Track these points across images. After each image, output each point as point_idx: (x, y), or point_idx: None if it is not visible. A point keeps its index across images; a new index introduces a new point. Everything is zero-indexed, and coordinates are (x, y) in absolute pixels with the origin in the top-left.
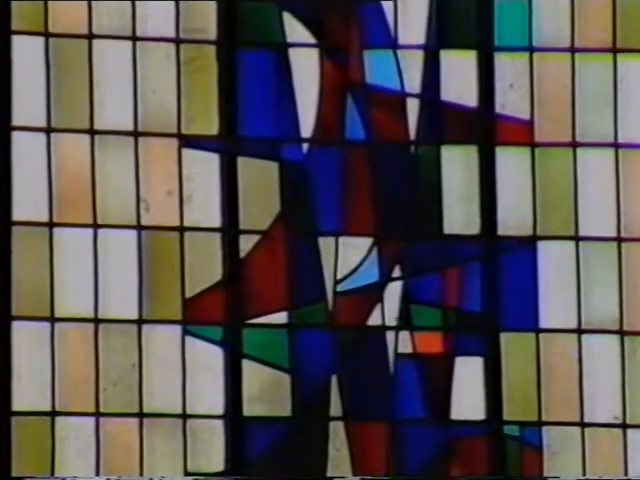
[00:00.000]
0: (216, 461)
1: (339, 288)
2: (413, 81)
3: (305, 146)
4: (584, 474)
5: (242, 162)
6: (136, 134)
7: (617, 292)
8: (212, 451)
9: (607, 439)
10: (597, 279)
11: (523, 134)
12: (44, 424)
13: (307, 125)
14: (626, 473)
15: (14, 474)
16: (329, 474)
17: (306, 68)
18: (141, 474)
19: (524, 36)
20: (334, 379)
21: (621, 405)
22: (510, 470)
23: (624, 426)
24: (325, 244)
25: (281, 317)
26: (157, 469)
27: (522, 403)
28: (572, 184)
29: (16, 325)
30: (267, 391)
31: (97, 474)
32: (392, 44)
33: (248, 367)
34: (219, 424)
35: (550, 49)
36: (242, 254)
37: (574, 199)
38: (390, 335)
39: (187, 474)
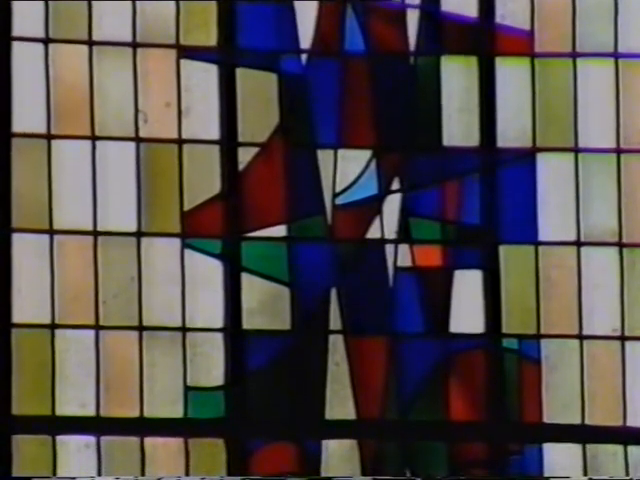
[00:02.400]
0: (215, 374)
1: (338, 201)
2: None
3: (304, 58)
4: (582, 387)
5: (241, 73)
6: (134, 45)
7: (616, 204)
8: (211, 364)
9: (605, 351)
10: (596, 191)
11: (523, 45)
12: (44, 337)
13: (306, 36)
14: (624, 385)
15: (14, 387)
16: (328, 388)
17: None
18: (141, 387)
19: None
20: (333, 292)
21: (620, 317)
22: (509, 383)
23: (622, 338)
24: (324, 157)
25: (280, 230)
26: (156, 382)
27: (521, 316)
28: (572, 95)
29: (16, 237)
30: (266, 304)
31: (97, 386)
32: None
33: (247, 280)
34: (218, 337)
35: None
36: (241, 167)
37: (574, 110)
38: (389, 248)
39: (187, 388)
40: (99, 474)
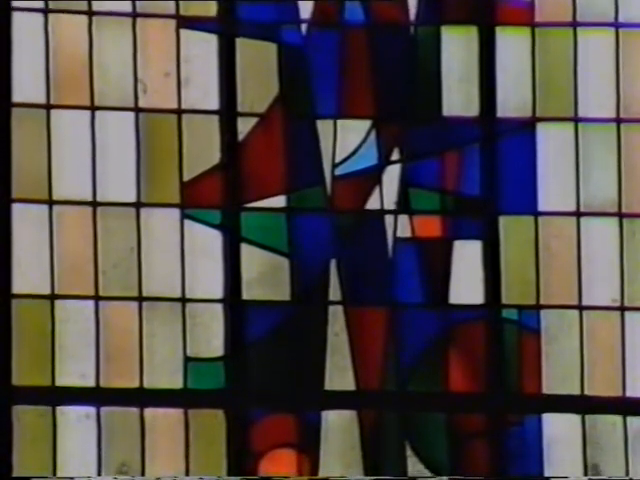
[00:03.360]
0: (215, 345)
1: (337, 171)
2: None
3: (304, 28)
4: (581, 357)
5: (240, 44)
6: (134, 15)
7: (616, 174)
8: (211, 335)
9: (605, 322)
10: (596, 161)
11: (523, 14)
12: (44, 307)
13: (306, 7)
14: (623, 356)
15: (14, 358)
16: (328, 359)
17: None
18: (140, 358)
19: None
20: (333, 263)
21: (619, 288)
22: (508, 354)
23: (622, 309)
24: (323, 127)
25: (279, 201)
26: (156, 353)
27: (520, 287)
28: (572, 65)
29: (16, 208)
30: (266, 275)
31: (97, 357)
32: None
33: (247, 251)
34: (218, 308)
35: None
36: (240, 137)
37: (574, 80)
38: (389, 219)
39: (186, 358)
40: (99, 445)
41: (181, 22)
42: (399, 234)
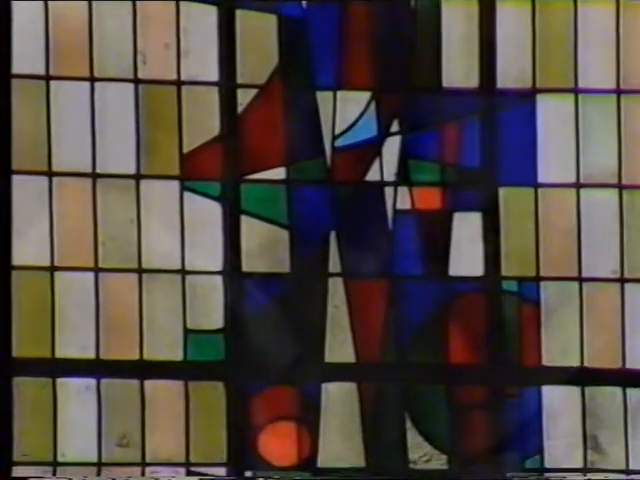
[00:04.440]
0: (215, 317)
1: (337, 143)
2: None
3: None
4: (581, 329)
5: (240, 15)
6: None
7: (616, 145)
8: (211, 307)
9: (605, 294)
10: (596, 133)
11: None
12: (44, 279)
13: None
14: (623, 328)
15: (14, 330)
16: (328, 332)
17: None
18: (140, 330)
19: None
20: (333, 235)
21: (619, 260)
22: (508, 326)
23: (622, 280)
24: (323, 98)
25: (279, 173)
26: (156, 325)
27: (520, 259)
28: (572, 36)
29: (15, 179)
30: (266, 247)
31: (97, 329)
32: None
33: (246, 223)
34: (218, 280)
35: None
36: (240, 109)
37: (574, 51)
38: (388, 191)
39: (186, 330)
40: (99, 417)
41: None
42: (399, 206)
